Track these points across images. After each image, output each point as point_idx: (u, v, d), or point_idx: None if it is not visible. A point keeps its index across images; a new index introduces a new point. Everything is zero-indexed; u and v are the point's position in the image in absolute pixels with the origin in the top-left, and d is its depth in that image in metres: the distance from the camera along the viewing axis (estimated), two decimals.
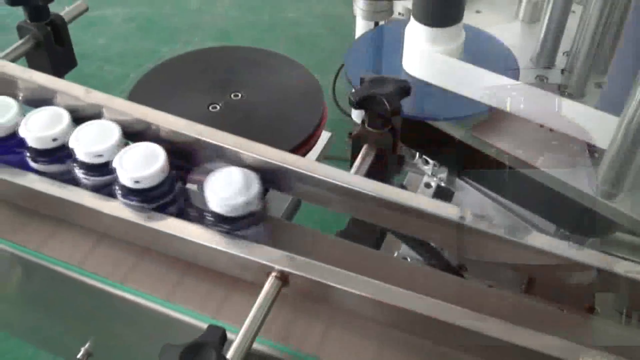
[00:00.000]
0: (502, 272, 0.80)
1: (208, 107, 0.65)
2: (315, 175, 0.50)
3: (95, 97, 0.55)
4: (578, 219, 0.65)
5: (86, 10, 0.75)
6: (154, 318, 0.51)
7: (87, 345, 0.61)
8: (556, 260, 0.47)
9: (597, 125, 0.57)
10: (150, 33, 1.93)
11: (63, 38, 0.71)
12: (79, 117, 0.54)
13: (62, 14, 0.72)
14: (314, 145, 0.63)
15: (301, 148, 0.61)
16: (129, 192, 0.50)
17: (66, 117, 0.52)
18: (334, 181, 0.50)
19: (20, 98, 0.56)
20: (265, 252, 0.47)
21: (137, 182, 0.49)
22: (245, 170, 0.49)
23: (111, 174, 0.50)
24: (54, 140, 0.51)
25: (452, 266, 0.70)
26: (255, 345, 0.44)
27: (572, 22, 0.69)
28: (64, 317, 0.62)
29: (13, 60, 0.66)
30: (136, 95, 0.65)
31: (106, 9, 1.99)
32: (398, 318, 0.46)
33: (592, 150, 0.61)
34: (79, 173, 0.52)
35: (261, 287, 0.46)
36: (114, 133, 0.51)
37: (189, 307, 0.49)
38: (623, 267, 0.47)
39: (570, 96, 0.68)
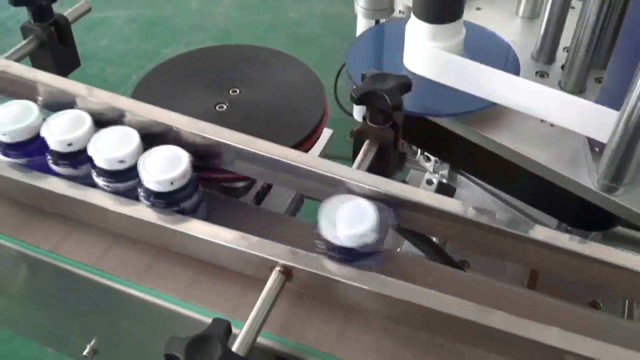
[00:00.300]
0: (505, 268, 0.80)
1: (215, 107, 0.65)
2: (318, 171, 0.50)
3: (99, 95, 0.56)
4: (579, 213, 0.65)
5: (89, 10, 0.76)
6: (158, 313, 0.51)
7: (92, 343, 0.61)
8: (559, 253, 0.47)
9: (598, 120, 0.58)
10: (151, 34, 1.93)
11: (66, 38, 0.72)
12: (100, 121, 0.54)
13: (65, 14, 0.72)
14: (315, 141, 0.63)
15: (303, 144, 0.61)
16: (152, 195, 0.50)
17: (88, 121, 0.53)
18: (336, 176, 0.50)
19: (38, 102, 0.57)
20: (268, 247, 0.48)
21: (163, 184, 0.49)
22: (364, 200, 0.48)
23: (131, 180, 0.51)
24: (70, 145, 0.52)
25: (454, 262, 0.70)
26: (259, 339, 0.44)
27: (572, 18, 0.69)
28: (69, 314, 0.62)
29: (17, 61, 0.67)
30: (138, 96, 0.65)
31: (108, 11, 2.00)
32: (401, 311, 0.46)
33: (593, 145, 0.61)
34: (99, 181, 0.52)
35: (265, 281, 0.46)
36: (134, 138, 0.51)
37: (191, 301, 0.50)
38: (626, 259, 0.47)
39: (571, 91, 0.69)
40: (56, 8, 0.71)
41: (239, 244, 0.48)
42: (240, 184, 0.67)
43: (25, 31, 0.70)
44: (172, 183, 0.49)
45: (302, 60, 0.71)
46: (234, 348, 0.41)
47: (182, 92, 0.67)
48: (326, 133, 0.76)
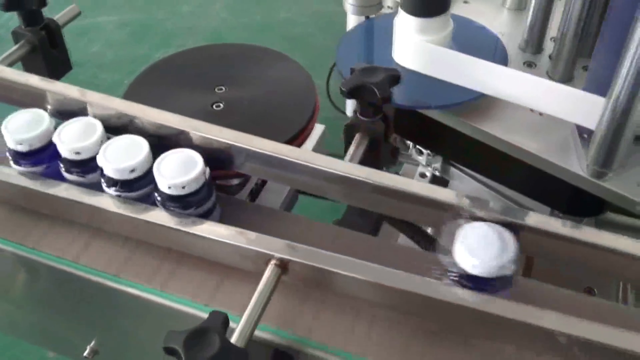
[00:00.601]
0: None
1: (212, 106, 0.65)
2: (310, 165, 0.51)
3: (92, 97, 0.56)
4: (571, 200, 0.66)
5: (79, 14, 0.76)
6: (157, 312, 0.51)
7: (92, 344, 0.62)
8: (552, 238, 0.48)
9: (585, 107, 0.58)
10: (143, 38, 1.93)
11: (58, 42, 0.72)
12: (109, 127, 0.55)
13: (55, 18, 0.73)
14: (307, 136, 0.64)
15: (296, 140, 0.62)
16: (169, 199, 0.50)
17: (99, 129, 0.53)
18: (329, 169, 0.51)
19: (48, 110, 0.57)
20: (264, 241, 0.48)
21: (182, 187, 0.49)
22: (502, 228, 0.46)
23: (142, 189, 0.52)
24: (77, 154, 0.52)
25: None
26: (256, 332, 0.45)
27: (558, 9, 0.70)
28: (69, 316, 0.62)
29: (9, 66, 0.67)
30: (130, 99, 0.65)
31: (99, 16, 2.00)
32: (397, 300, 0.47)
33: (581, 132, 0.62)
34: (110, 191, 0.52)
35: (260, 275, 0.47)
36: (143, 146, 0.51)
37: (188, 297, 0.50)
38: (617, 241, 0.48)
39: (559, 80, 0.69)
40: (47, 13, 0.72)
41: (235, 239, 0.49)
42: (234, 181, 0.67)
43: (16, 36, 0.71)
44: (184, 187, 0.49)
45: (289, 56, 0.72)
46: (232, 340, 0.42)
47: (177, 93, 0.67)
48: (318, 129, 0.77)
